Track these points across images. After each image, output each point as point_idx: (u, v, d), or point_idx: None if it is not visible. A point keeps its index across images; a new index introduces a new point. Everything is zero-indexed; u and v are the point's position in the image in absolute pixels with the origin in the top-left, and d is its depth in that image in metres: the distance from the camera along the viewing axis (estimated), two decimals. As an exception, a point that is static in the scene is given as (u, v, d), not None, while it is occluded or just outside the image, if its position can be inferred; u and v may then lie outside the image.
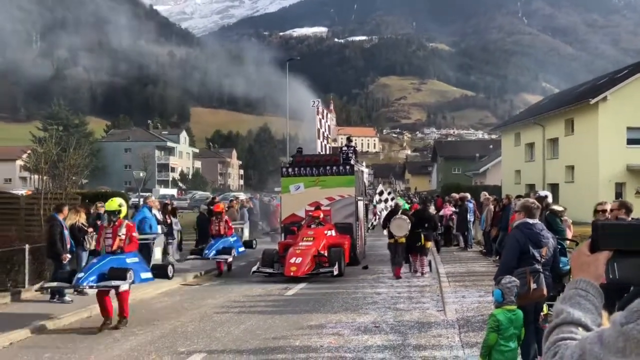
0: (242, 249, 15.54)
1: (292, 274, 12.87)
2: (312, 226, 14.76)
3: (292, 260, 13.12)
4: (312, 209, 15.49)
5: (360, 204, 17.64)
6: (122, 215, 9.30)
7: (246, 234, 17.23)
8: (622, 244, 1.42)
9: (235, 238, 15.42)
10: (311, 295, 11.52)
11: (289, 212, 16.45)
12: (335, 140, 23.72)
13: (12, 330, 8.30)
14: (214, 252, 14.37)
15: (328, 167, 16.66)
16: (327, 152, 20.93)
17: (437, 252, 17.17)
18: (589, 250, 1.46)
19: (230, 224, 15.41)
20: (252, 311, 10.04)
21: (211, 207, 19.09)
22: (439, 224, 20.20)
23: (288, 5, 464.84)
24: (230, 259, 14.73)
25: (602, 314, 1.37)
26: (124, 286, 8.75)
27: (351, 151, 18.15)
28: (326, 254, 13.79)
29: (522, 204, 6.23)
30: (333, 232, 15.02)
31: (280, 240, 16.01)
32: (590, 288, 1.40)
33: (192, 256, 14.93)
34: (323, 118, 21.73)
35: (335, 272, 13.03)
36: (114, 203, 9.36)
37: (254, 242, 16.59)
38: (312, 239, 14.07)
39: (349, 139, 19.41)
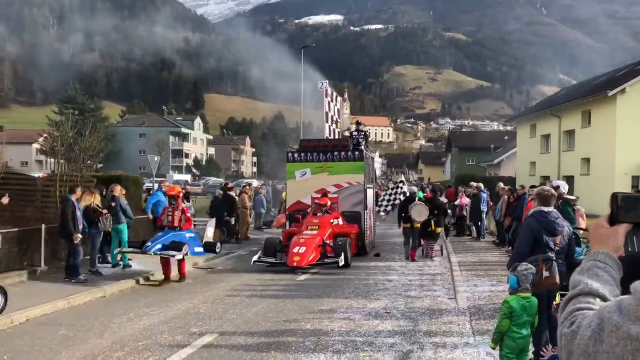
0: (198, 249, 11.80)
1: (295, 264, 12.21)
2: (318, 214, 14.17)
3: (296, 250, 12.49)
4: (319, 196, 14.89)
5: (370, 192, 16.97)
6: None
7: (210, 234, 13.41)
8: None
9: (192, 234, 11.86)
10: (322, 281, 11.56)
11: (294, 199, 15.81)
12: (348, 129, 22.93)
13: (28, 307, 8.44)
14: (158, 246, 10.92)
15: (336, 153, 15.88)
16: (336, 137, 19.95)
17: (445, 238, 17.96)
18: (608, 223, 1.45)
19: (188, 215, 12.00)
20: (263, 295, 10.11)
21: (224, 191, 19.25)
22: (453, 214, 20.45)
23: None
24: (178, 257, 10.99)
25: (619, 286, 1.36)
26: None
27: (361, 136, 17.47)
28: (332, 244, 13.19)
29: (537, 191, 6.19)
30: (340, 221, 14.43)
31: (285, 229, 15.35)
32: (608, 260, 1.39)
33: (130, 249, 11.85)
34: (332, 101, 20.73)
35: (341, 263, 12.35)
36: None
37: (218, 245, 12.78)
38: (317, 227, 13.45)
39: (358, 123, 18.70)
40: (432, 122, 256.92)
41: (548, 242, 5.61)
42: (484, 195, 19.22)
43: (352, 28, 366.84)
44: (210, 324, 7.99)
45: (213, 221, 14.55)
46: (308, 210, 14.80)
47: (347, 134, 20.46)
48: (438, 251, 15.54)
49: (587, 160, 32.20)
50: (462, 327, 7.77)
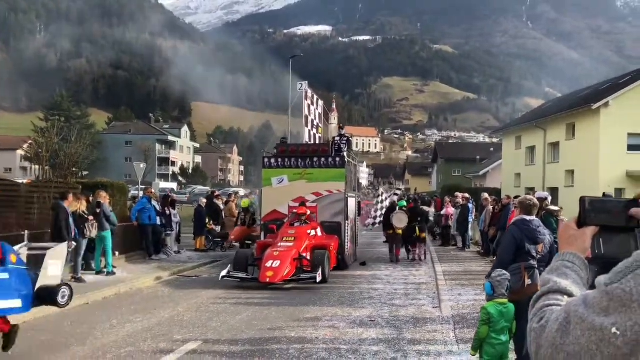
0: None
1: (268, 280, 11.10)
2: (295, 224, 13.08)
3: (269, 264, 11.36)
4: (296, 205, 13.81)
5: (352, 201, 15.98)
6: None
7: (54, 271, 7.03)
8: (608, 220, 1.46)
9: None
10: (308, 289, 11.55)
11: (270, 207, 14.72)
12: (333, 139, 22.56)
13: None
14: None
15: (316, 159, 14.88)
16: (317, 143, 18.98)
17: (426, 244, 18.53)
18: (576, 225, 1.50)
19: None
20: (248, 302, 10.09)
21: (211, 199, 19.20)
22: (439, 224, 20.73)
23: (293, 3, 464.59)
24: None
25: (586, 285, 1.41)
26: None
27: (344, 142, 16.50)
28: (309, 257, 12.16)
29: (519, 200, 6.28)
30: (319, 232, 13.41)
31: (259, 240, 14.28)
32: (576, 260, 1.44)
33: None
34: (312, 104, 19.62)
35: (319, 279, 11.26)
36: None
37: (64, 292, 6.85)
38: (293, 239, 12.37)
39: (340, 127, 17.72)
40: (419, 134, 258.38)
41: (530, 250, 5.68)
42: (471, 206, 19.36)
43: (340, 39, 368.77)
44: (194, 331, 7.95)
45: (63, 247, 7.67)
46: (285, 220, 13.83)
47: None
48: (423, 254, 17.04)
49: (571, 172, 32.55)
50: (446, 335, 7.81)
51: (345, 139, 16.72)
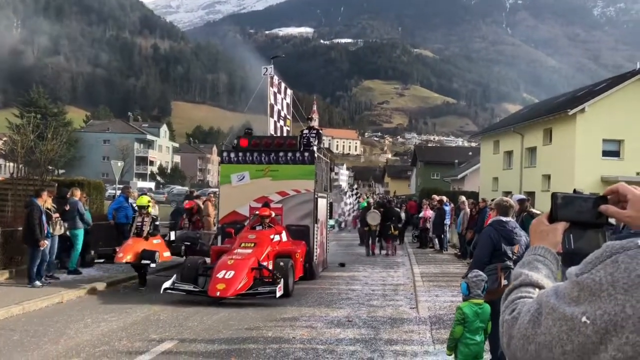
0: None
1: (218, 294, 9.50)
2: (257, 228, 11.55)
3: (221, 275, 9.78)
4: (259, 205, 12.34)
5: (322, 202, 14.31)
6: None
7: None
8: (578, 216, 1.49)
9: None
10: (300, 278, 11.47)
11: (229, 208, 13.15)
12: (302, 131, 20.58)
13: (-19, 312, 8.17)
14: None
15: (282, 154, 13.25)
16: (284, 136, 17.02)
17: (398, 243, 20.91)
18: (547, 220, 1.53)
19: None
20: (225, 303, 9.99)
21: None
22: (417, 226, 21.17)
23: (275, 3, 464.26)
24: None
25: (557, 278, 1.44)
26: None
27: (313, 135, 14.65)
28: (271, 267, 10.65)
29: (496, 202, 6.35)
30: (284, 237, 11.99)
31: (215, 246, 12.55)
32: (547, 254, 1.47)
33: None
34: (280, 93, 17.59)
35: (279, 293, 9.59)
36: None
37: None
38: (253, 245, 10.83)
39: (310, 119, 15.83)
40: (398, 137, 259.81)
41: (506, 251, 5.75)
42: (447, 209, 19.53)
43: (322, 41, 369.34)
44: (170, 330, 7.88)
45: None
46: (245, 224, 12.37)
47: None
48: (397, 249, 19.35)
49: (547, 177, 33.01)
50: (423, 335, 7.86)
51: (315, 131, 14.88)
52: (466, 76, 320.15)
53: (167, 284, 9.88)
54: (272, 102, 16.81)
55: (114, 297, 10.45)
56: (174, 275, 10.44)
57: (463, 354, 5.14)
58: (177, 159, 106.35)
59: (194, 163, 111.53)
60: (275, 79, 17.21)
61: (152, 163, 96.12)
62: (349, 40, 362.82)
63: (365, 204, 20.54)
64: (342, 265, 15.50)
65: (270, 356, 6.70)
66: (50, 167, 17.18)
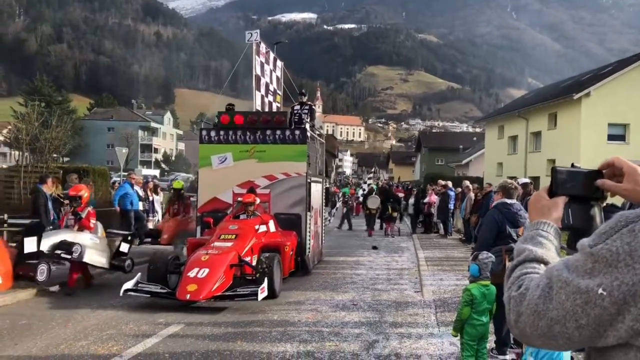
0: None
1: (188, 297, 8.02)
2: (241, 217, 10.17)
3: (192, 274, 8.29)
4: (243, 191, 11.01)
5: (316, 187, 12.69)
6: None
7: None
8: (576, 190, 1.48)
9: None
10: (290, 274, 11.57)
11: (209, 195, 11.52)
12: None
13: (-11, 297, 8.25)
14: None
15: (269, 132, 11.48)
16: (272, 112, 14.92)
17: (399, 220, 23.12)
18: (547, 195, 1.51)
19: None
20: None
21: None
22: (422, 211, 21.18)
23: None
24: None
25: (560, 253, 1.43)
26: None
27: (305, 111, 13.11)
28: (255, 262, 9.21)
29: (501, 184, 6.35)
30: (271, 227, 10.56)
31: (191, 237, 11.02)
32: (550, 229, 1.45)
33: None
34: (267, 63, 15.28)
35: (261, 296, 8.10)
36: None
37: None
38: (234, 236, 9.39)
39: (302, 94, 13.97)
40: (402, 123, 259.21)
41: (511, 233, 5.76)
42: (452, 194, 19.51)
43: (325, 27, 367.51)
44: (176, 314, 7.94)
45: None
46: (228, 212, 10.98)
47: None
48: (396, 232, 20.49)
49: (552, 162, 32.88)
50: (427, 318, 7.90)
51: (307, 107, 13.39)
52: (471, 61, 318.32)
53: (128, 285, 8.41)
54: (259, 73, 14.43)
55: (119, 281, 10.49)
56: (138, 274, 9.01)
57: (469, 334, 5.17)
58: (181, 146, 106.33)
59: (198, 150, 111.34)
60: (263, 46, 14.95)
61: (156, 150, 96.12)
62: (353, 26, 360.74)
63: (347, 190, 25.15)
64: (375, 248, 16.35)
65: (275, 339, 6.76)
66: (55, 155, 17.22)
